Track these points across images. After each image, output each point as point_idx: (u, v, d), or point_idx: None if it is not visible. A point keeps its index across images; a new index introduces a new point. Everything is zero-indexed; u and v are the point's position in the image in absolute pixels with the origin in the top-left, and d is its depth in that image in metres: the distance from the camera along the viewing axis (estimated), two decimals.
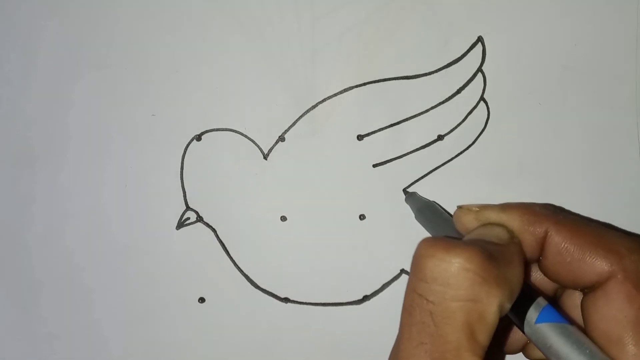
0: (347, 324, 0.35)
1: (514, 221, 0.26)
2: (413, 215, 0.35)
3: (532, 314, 0.25)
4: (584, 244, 0.25)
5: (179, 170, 0.36)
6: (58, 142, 0.36)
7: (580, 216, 0.27)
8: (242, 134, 0.36)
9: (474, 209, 0.27)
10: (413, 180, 0.36)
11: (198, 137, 0.36)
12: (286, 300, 0.36)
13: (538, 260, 0.27)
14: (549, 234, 0.26)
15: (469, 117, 0.36)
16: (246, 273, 0.36)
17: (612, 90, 0.35)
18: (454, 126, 0.36)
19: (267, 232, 0.36)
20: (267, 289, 0.36)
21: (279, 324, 0.36)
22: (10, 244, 0.36)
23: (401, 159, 0.36)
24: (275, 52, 0.36)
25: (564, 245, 0.25)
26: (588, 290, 0.25)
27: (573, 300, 0.27)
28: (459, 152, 0.36)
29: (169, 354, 0.36)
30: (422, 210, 0.33)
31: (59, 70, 0.36)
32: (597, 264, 0.24)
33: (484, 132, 0.36)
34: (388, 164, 0.36)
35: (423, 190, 0.36)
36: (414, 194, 0.35)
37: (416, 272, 0.23)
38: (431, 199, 0.35)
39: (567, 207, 0.35)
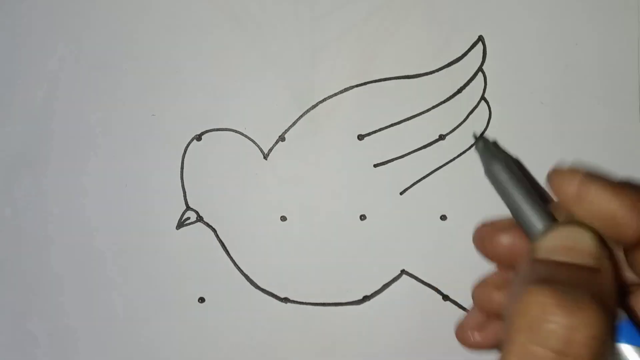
0: (347, 324, 0.35)
1: (620, 208, 0.23)
2: (413, 215, 0.35)
3: None
4: None
5: (179, 170, 0.36)
6: (58, 142, 0.36)
7: None
8: (242, 134, 0.36)
9: (579, 175, 0.24)
10: (414, 181, 0.35)
11: (198, 137, 0.36)
12: (286, 300, 0.36)
13: (625, 250, 0.25)
14: None
15: (470, 116, 0.35)
16: (246, 273, 0.36)
17: (614, 89, 0.35)
18: (455, 126, 0.35)
19: (267, 232, 0.36)
20: (267, 289, 0.36)
21: (279, 324, 0.35)
22: (9, 244, 0.36)
23: (402, 158, 0.36)
24: (275, 52, 0.36)
25: None
26: None
27: None
28: (461, 152, 0.35)
29: (169, 354, 0.36)
30: (502, 165, 0.27)
31: (59, 70, 0.36)
32: None
33: (485, 132, 0.35)
34: (389, 164, 0.36)
35: (424, 190, 0.35)
36: (488, 142, 0.28)
37: (524, 332, 0.21)
38: (432, 199, 0.35)
39: None
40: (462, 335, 0.29)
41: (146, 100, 0.36)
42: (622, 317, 0.23)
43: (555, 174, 0.25)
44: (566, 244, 0.23)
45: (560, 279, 0.22)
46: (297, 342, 0.35)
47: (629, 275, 0.25)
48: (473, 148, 0.31)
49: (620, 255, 0.25)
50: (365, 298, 0.35)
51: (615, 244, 0.25)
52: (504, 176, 0.26)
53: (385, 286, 0.35)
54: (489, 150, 0.27)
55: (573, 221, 0.24)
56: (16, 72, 0.37)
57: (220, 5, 0.36)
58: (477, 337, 0.28)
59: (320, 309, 0.35)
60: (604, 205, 0.24)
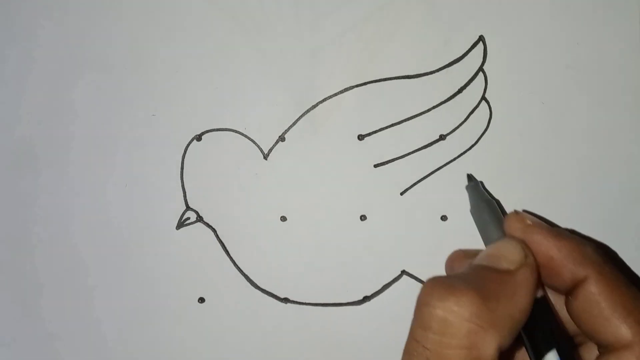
0: (347, 324, 0.35)
1: (557, 252, 0.26)
2: (413, 215, 0.35)
3: None
4: (617, 306, 0.25)
5: (179, 170, 0.36)
6: (58, 143, 0.36)
7: (625, 277, 0.26)
8: (242, 134, 0.36)
9: (526, 221, 0.27)
10: (415, 181, 0.35)
11: (198, 137, 0.36)
12: (286, 300, 0.36)
13: (566, 296, 0.27)
14: (587, 280, 0.25)
15: (471, 116, 0.35)
16: (246, 273, 0.36)
17: (615, 90, 0.35)
18: (455, 126, 0.35)
19: (267, 232, 0.36)
20: (267, 289, 0.36)
21: (279, 324, 0.35)
22: (12, 244, 0.37)
23: (402, 158, 0.36)
24: (275, 52, 0.36)
25: (597, 298, 0.25)
26: (603, 350, 0.25)
27: (592, 352, 0.27)
28: (461, 152, 0.35)
29: (169, 353, 0.36)
30: (478, 206, 0.32)
31: (60, 71, 0.36)
32: (621, 330, 0.24)
33: (486, 132, 0.35)
34: (389, 164, 0.36)
35: (424, 190, 0.35)
36: (477, 184, 0.33)
37: (415, 319, 0.24)
38: (432, 200, 0.35)
39: (568, 207, 0.35)
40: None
41: (146, 100, 0.36)
42: (555, 357, 0.25)
43: (506, 219, 0.28)
44: (490, 252, 0.26)
45: (462, 276, 0.25)
46: (297, 342, 0.35)
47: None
48: (465, 186, 0.34)
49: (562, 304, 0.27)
50: (366, 298, 0.35)
51: (557, 292, 0.27)
52: (484, 215, 0.31)
53: (386, 286, 0.35)
54: (478, 192, 0.32)
55: (509, 237, 0.27)
56: (16, 72, 0.37)
57: (220, 5, 0.36)
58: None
59: (320, 309, 0.35)
60: (544, 251, 0.26)
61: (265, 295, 0.36)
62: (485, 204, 0.31)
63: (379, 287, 0.35)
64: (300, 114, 0.36)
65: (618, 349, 0.24)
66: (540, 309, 0.26)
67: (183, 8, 0.36)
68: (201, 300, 0.36)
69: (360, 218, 0.36)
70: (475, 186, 0.33)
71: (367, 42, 0.35)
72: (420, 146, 0.35)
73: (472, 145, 0.35)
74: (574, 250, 0.26)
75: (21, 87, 0.37)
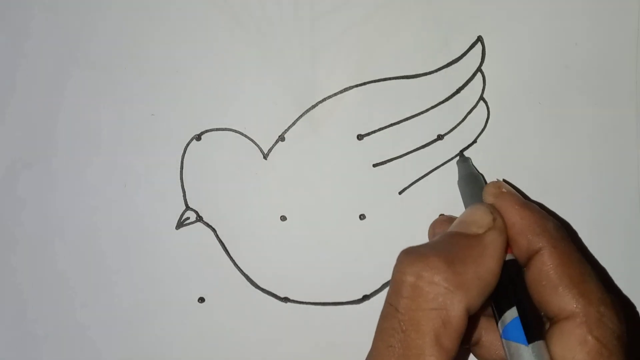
0: (347, 323, 0.35)
1: (520, 219, 0.27)
2: (412, 214, 0.35)
3: (504, 321, 0.26)
4: (564, 277, 0.26)
5: (179, 170, 0.36)
6: (57, 142, 0.36)
7: (582, 253, 0.27)
8: (242, 134, 0.36)
9: (502, 188, 0.29)
10: (413, 180, 0.36)
11: (198, 137, 0.36)
12: (286, 300, 0.36)
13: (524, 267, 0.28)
14: (541, 251, 0.27)
15: (469, 116, 0.36)
16: (246, 273, 0.36)
17: (612, 90, 0.35)
18: (453, 126, 0.36)
19: (267, 232, 0.36)
20: (267, 288, 0.36)
21: (279, 323, 0.36)
22: (8, 244, 0.36)
23: (401, 158, 0.36)
24: (275, 52, 0.36)
25: (547, 269, 0.26)
26: (551, 321, 0.26)
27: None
28: (459, 151, 0.35)
29: (168, 353, 0.36)
30: (465, 178, 0.33)
31: (58, 70, 0.36)
32: (564, 300, 0.25)
33: (483, 132, 0.35)
34: (388, 164, 0.36)
35: (423, 190, 0.36)
36: (468, 159, 0.35)
37: (390, 286, 0.26)
38: (431, 199, 0.35)
39: (567, 206, 0.35)
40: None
41: (146, 100, 0.36)
42: (513, 315, 0.26)
43: (486, 186, 0.29)
44: (462, 219, 0.28)
45: (432, 244, 0.27)
46: (297, 342, 0.35)
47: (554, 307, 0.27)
48: (456, 161, 0.35)
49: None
50: (365, 297, 0.35)
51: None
52: (469, 187, 0.32)
53: (385, 285, 0.35)
54: (467, 166, 0.34)
55: (480, 203, 0.29)
56: (16, 72, 0.36)
57: (220, 5, 0.36)
58: None
59: (320, 309, 0.36)
60: (508, 217, 0.27)
61: (265, 295, 0.36)
62: (471, 177, 0.33)
63: (379, 286, 0.35)
64: (299, 114, 0.36)
65: (561, 319, 0.25)
66: (510, 271, 0.27)
67: (183, 8, 0.36)
68: (201, 300, 0.36)
69: (360, 217, 0.36)
70: (465, 160, 0.35)
71: (366, 42, 0.36)
72: (418, 146, 0.36)
73: (470, 145, 0.35)
74: (536, 221, 0.27)
75: (19, 87, 0.36)
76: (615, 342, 0.25)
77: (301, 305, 0.36)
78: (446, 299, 0.24)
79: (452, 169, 0.35)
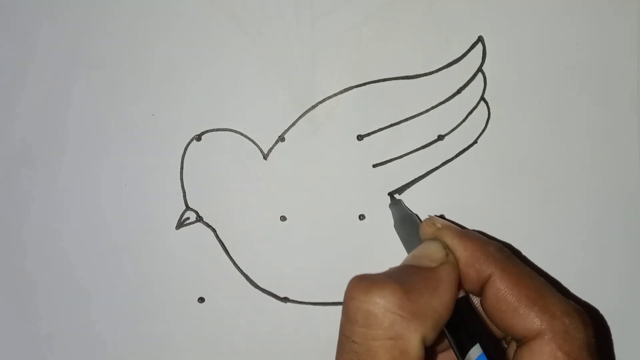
0: None
1: (463, 252, 0.27)
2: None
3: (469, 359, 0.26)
4: (522, 298, 0.25)
5: (179, 170, 0.36)
6: (57, 142, 0.36)
7: (530, 269, 0.27)
8: (242, 134, 0.36)
9: (437, 224, 0.28)
10: (412, 179, 0.36)
11: (198, 137, 0.36)
12: (285, 299, 0.36)
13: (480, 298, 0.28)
14: (492, 277, 0.26)
15: (470, 117, 0.36)
16: (246, 273, 0.36)
17: (613, 90, 0.35)
18: (454, 126, 0.36)
19: (267, 232, 0.36)
20: (267, 288, 0.36)
21: (279, 323, 0.36)
22: (9, 243, 0.36)
23: (401, 159, 0.36)
24: (275, 52, 0.36)
25: (503, 293, 0.26)
26: (519, 343, 0.26)
27: (513, 348, 0.28)
28: (459, 152, 0.35)
29: (168, 353, 0.36)
30: (400, 220, 0.34)
31: (59, 70, 0.36)
32: (528, 320, 0.25)
33: (484, 132, 0.35)
34: (388, 164, 0.36)
35: (423, 190, 0.35)
36: (399, 201, 0.35)
37: (343, 314, 0.25)
38: (430, 199, 0.35)
39: (567, 206, 0.35)
40: None
41: (146, 100, 0.36)
42: (478, 353, 0.25)
43: (420, 226, 0.29)
44: (414, 253, 0.27)
45: (386, 272, 0.26)
46: (297, 342, 0.36)
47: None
48: (389, 205, 0.35)
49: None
50: None
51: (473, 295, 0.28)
52: (406, 227, 0.33)
53: None
54: (401, 209, 0.34)
55: (430, 239, 0.28)
56: (16, 72, 0.36)
57: (220, 5, 0.36)
58: None
59: (320, 309, 0.36)
60: (448, 242, 0.27)
61: (265, 295, 0.36)
62: (407, 218, 0.33)
63: None
64: (299, 114, 0.36)
65: (530, 339, 0.25)
66: (463, 308, 0.27)
67: (183, 8, 0.36)
68: (201, 300, 0.36)
69: (360, 217, 0.36)
70: (396, 203, 0.35)
71: (366, 42, 0.35)
72: (419, 146, 0.36)
73: (470, 145, 0.35)
74: (478, 249, 0.27)
75: (19, 87, 0.36)
76: (585, 352, 0.25)
77: (301, 305, 0.36)
78: (402, 327, 0.23)
79: (453, 169, 0.35)
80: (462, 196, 0.35)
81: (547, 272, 0.35)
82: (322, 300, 0.36)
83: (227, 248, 0.36)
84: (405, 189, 0.36)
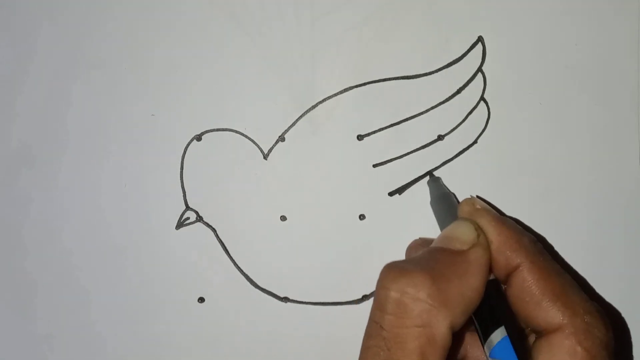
0: (347, 323, 0.35)
1: (497, 236, 0.27)
2: (412, 214, 0.35)
3: (491, 342, 0.26)
4: (547, 292, 0.26)
5: (179, 170, 0.36)
6: (57, 142, 0.36)
7: (559, 266, 0.27)
8: (242, 134, 0.36)
9: (476, 205, 0.29)
10: (412, 179, 0.36)
11: (198, 137, 0.36)
12: (286, 299, 0.36)
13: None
14: (520, 267, 0.26)
15: (469, 117, 0.36)
16: (246, 273, 0.36)
17: (613, 90, 0.35)
18: (454, 126, 0.36)
19: (267, 232, 0.36)
20: (267, 288, 0.36)
21: (279, 323, 0.36)
22: (8, 243, 0.36)
23: (401, 159, 0.36)
24: (275, 52, 0.36)
25: (529, 285, 0.26)
26: (537, 335, 0.26)
27: (532, 339, 0.28)
28: (459, 152, 0.35)
29: (168, 354, 0.36)
30: (437, 198, 0.33)
31: (58, 70, 0.36)
32: (550, 313, 0.25)
33: (484, 132, 0.35)
34: (388, 164, 0.36)
35: (422, 190, 0.35)
36: (438, 179, 0.35)
37: (374, 301, 0.26)
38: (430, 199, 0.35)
39: (567, 207, 0.35)
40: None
41: (146, 100, 0.36)
42: (502, 335, 0.26)
43: (460, 204, 0.30)
44: (445, 234, 0.27)
45: (416, 259, 0.26)
46: (297, 342, 0.36)
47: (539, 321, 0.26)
48: (427, 182, 0.35)
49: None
50: (365, 297, 0.35)
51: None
52: (442, 206, 0.33)
53: None
54: (438, 186, 0.34)
55: (462, 219, 0.28)
56: (16, 71, 0.36)
57: (220, 5, 0.36)
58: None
59: (320, 309, 0.36)
60: (484, 225, 0.27)
61: (265, 295, 0.36)
62: (444, 197, 0.33)
63: None
64: (300, 114, 0.36)
65: (549, 332, 0.25)
66: (491, 291, 0.27)
67: (183, 8, 0.36)
68: (201, 300, 0.36)
69: (360, 217, 0.36)
70: (435, 181, 0.35)
71: (366, 42, 0.35)
72: (419, 146, 0.36)
73: (470, 145, 0.35)
74: (512, 237, 0.27)
75: (19, 87, 0.36)
76: (604, 351, 0.25)
77: (301, 305, 0.36)
78: (431, 316, 0.24)
79: (453, 169, 0.35)
80: (462, 196, 0.35)
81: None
82: (322, 300, 0.36)
83: (227, 248, 0.36)
84: (406, 189, 0.36)
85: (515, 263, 0.27)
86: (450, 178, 0.35)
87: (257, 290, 0.36)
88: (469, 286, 0.25)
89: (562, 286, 0.26)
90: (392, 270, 0.25)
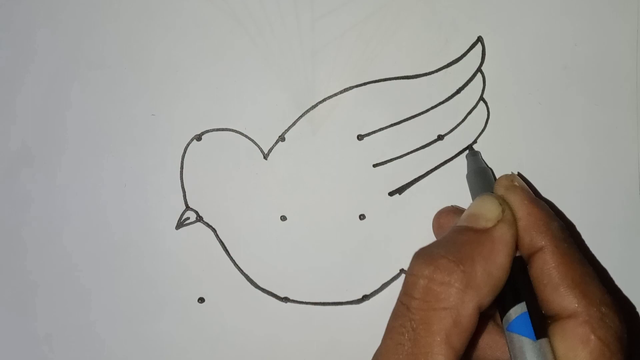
0: (347, 323, 0.35)
1: (527, 216, 0.27)
2: (412, 214, 0.35)
3: (509, 316, 0.26)
4: (566, 277, 0.26)
5: (179, 170, 0.36)
6: (57, 142, 0.36)
7: (582, 256, 0.27)
8: (242, 134, 0.36)
9: (514, 182, 0.29)
10: (412, 179, 0.36)
11: (198, 137, 0.36)
12: (286, 299, 0.36)
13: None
14: (543, 250, 0.27)
15: (469, 117, 0.36)
16: (246, 273, 0.36)
17: (612, 90, 0.35)
18: (453, 126, 0.36)
19: (267, 232, 0.36)
20: (267, 288, 0.36)
21: (279, 323, 0.36)
22: (8, 243, 0.36)
23: (401, 158, 0.36)
24: (275, 52, 0.36)
25: (549, 268, 0.26)
26: (551, 319, 0.26)
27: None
28: (459, 152, 0.36)
29: (168, 354, 0.36)
30: (474, 172, 0.33)
31: (59, 70, 0.36)
32: (566, 299, 0.26)
33: (484, 132, 0.36)
34: (388, 164, 0.36)
35: (422, 190, 0.36)
36: (477, 153, 0.35)
37: (403, 285, 0.26)
38: (430, 199, 0.35)
39: (566, 207, 0.35)
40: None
41: (146, 100, 0.36)
42: (522, 309, 0.26)
43: (499, 178, 0.30)
44: (470, 211, 0.28)
45: (442, 242, 0.27)
46: (297, 342, 0.36)
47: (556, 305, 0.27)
48: (465, 155, 0.35)
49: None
50: (365, 297, 0.35)
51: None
52: (478, 180, 0.32)
53: (385, 285, 0.35)
54: (477, 160, 0.34)
55: (488, 194, 0.29)
56: (16, 71, 0.36)
57: (220, 5, 0.36)
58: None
59: (320, 309, 0.36)
60: (515, 212, 0.27)
61: (265, 295, 0.36)
62: (481, 171, 0.33)
63: (378, 286, 0.35)
64: (300, 114, 0.36)
65: (563, 317, 0.26)
66: (518, 267, 0.27)
67: (183, 8, 0.36)
68: (201, 300, 0.36)
69: (360, 217, 0.36)
70: (474, 154, 0.35)
71: (366, 42, 0.36)
72: (418, 146, 0.36)
73: (470, 145, 0.35)
74: (542, 219, 0.27)
75: (19, 88, 0.36)
76: (617, 343, 0.25)
77: (301, 305, 0.36)
78: (457, 298, 0.24)
79: (453, 169, 0.35)
80: (462, 196, 0.35)
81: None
82: (322, 300, 0.36)
83: (227, 248, 0.36)
84: (406, 189, 0.36)
85: (540, 245, 0.27)
86: (450, 178, 0.35)
87: (257, 290, 0.36)
88: (495, 266, 0.25)
89: (582, 275, 0.26)
90: (420, 257, 0.26)
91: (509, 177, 0.29)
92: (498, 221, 0.27)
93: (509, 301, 0.26)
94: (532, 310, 0.26)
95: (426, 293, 0.25)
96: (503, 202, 0.27)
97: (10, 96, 0.36)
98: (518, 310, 0.26)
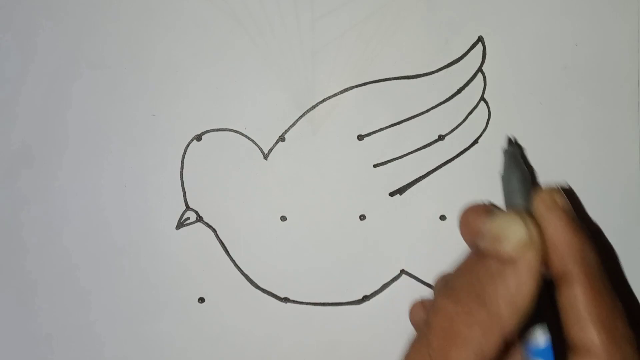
0: (347, 324, 0.35)
1: (561, 244, 0.26)
2: (412, 215, 0.35)
3: (532, 342, 0.26)
4: (593, 311, 0.25)
5: (179, 170, 0.36)
6: (57, 142, 0.36)
7: (611, 287, 0.26)
8: (242, 134, 0.36)
9: (557, 200, 0.27)
10: (412, 180, 0.36)
11: (198, 137, 0.36)
12: (286, 300, 0.36)
13: None
14: (574, 281, 0.25)
15: (470, 117, 0.36)
16: (246, 273, 0.36)
17: (613, 90, 0.35)
18: (454, 126, 0.36)
19: (267, 232, 0.36)
20: (267, 288, 0.36)
21: (279, 323, 0.36)
22: (8, 243, 0.36)
23: (402, 159, 0.36)
24: (275, 52, 0.36)
25: (577, 303, 0.25)
26: (570, 350, 0.26)
27: None
28: (460, 152, 0.35)
29: (168, 354, 0.36)
30: (513, 175, 0.30)
31: (59, 70, 0.36)
32: (589, 334, 0.25)
33: (484, 132, 0.35)
34: (388, 164, 0.36)
35: (423, 190, 0.35)
36: (516, 151, 0.32)
37: (428, 314, 0.26)
38: (431, 199, 0.35)
39: None
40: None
41: (146, 100, 0.36)
42: (545, 336, 0.25)
43: (540, 191, 0.28)
44: (496, 231, 0.26)
45: (469, 271, 0.26)
46: (297, 342, 0.35)
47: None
48: (503, 150, 0.32)
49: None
50: (365, 298, 0.35)
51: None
52: (513, 183, 0.30)
53: (385, 286, 0.35)
54: (514, 160, 0.31)
55: (513, 211, 0.27)
56: (16, 71, 0.36)
57: (220, 5, 0.36)
58: None
59: (320, 309, 0.36)
60: (554, 237, 0.26)
61: (265, 295, 0.36)
62: (520, 175, 0.30)
63: (379, 286, 0.35)
64: (300, 114, 0.36)
65: (583, 352, 0.25)
66: (544, 290, 0.26)
67: (183, 8, 0.36)
68: (201, 300, 0.36)
69: (360, 218, 0.36)
70: (512, 153, 0.31)
71: (367, 42, 0.36)
72: (419, 146, 0.36)
73: (471, 145, 0.35)
74: (579, 250, 0.26)
75: (19, 87, 0.36)
76: None
77: (301, 306, 0.36)
78: (481, 336, 0.24)
79: (453, 169, 0.35)
80: (462, 196, 0.35)
81: None
82: (322, 301, 0.36)
83: (227, 248, 0.36)
84: (406, 189, 0.36)
85: (571, 274, 0.26)
86: (450, 178, 0.35)
87: (257, 290, 0.36)
88: (521, 296, 0.24)
89: (609, 311, 0.25)
90: (442, 291, 0.25)
91: (551, 194, 0.27)
92: (523, 247, 0.25)
93: (533, 325, 0.26)
94: (555, 338, 0.25)
95: (448, 330, 0.24)
96: (530, 224, 0.25)
97: (10, 96, 0.36)
98: (541, 337, 0.25)
